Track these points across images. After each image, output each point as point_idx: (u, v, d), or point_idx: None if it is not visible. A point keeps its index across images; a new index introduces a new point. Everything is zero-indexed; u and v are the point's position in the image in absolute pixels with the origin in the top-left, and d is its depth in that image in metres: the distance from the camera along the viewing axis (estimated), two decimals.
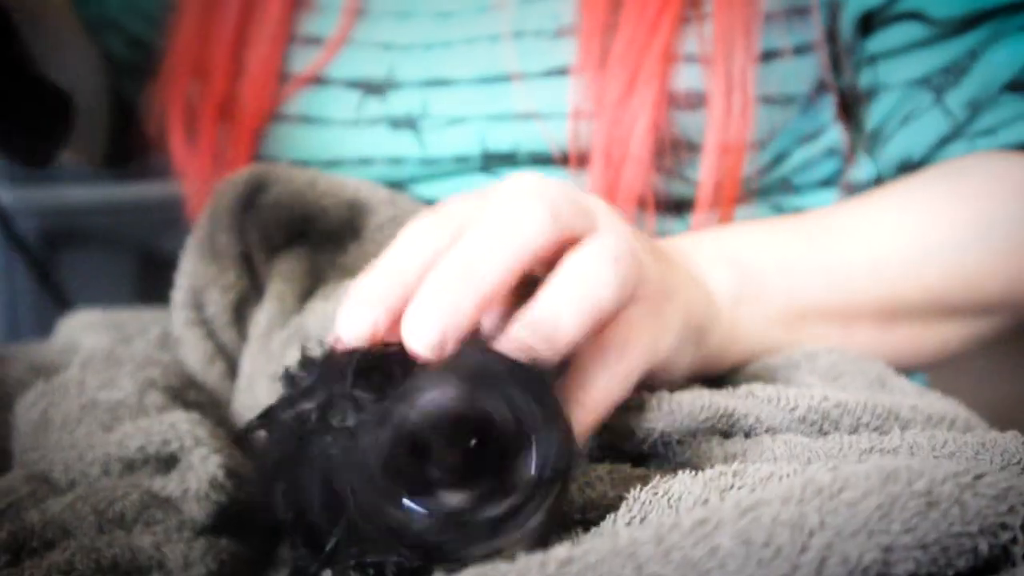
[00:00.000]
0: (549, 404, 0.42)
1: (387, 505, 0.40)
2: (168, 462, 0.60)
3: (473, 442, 0.40)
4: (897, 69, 0.83)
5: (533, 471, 0.40)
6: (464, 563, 0.39)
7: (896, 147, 0.85)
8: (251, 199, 0.75)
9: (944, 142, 0.82)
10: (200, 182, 0.90)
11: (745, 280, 0.69)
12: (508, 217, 0.50)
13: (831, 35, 0.84)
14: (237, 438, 0.56)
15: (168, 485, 0.59)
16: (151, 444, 0.60)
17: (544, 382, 0.43)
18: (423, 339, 0.44)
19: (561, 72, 0.80)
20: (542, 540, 0.41)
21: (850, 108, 0.89)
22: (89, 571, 0.54)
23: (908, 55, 0.83)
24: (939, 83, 0.82)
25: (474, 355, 0.43)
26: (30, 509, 0.58)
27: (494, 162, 0.83)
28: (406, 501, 0.40)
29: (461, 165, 0.83)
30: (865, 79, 0.85)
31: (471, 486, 0.40)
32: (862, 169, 0.89)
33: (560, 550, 0.35)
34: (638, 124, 0.76)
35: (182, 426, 0.61)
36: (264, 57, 0.88)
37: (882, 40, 0.83)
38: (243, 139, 0.87)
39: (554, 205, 0.51)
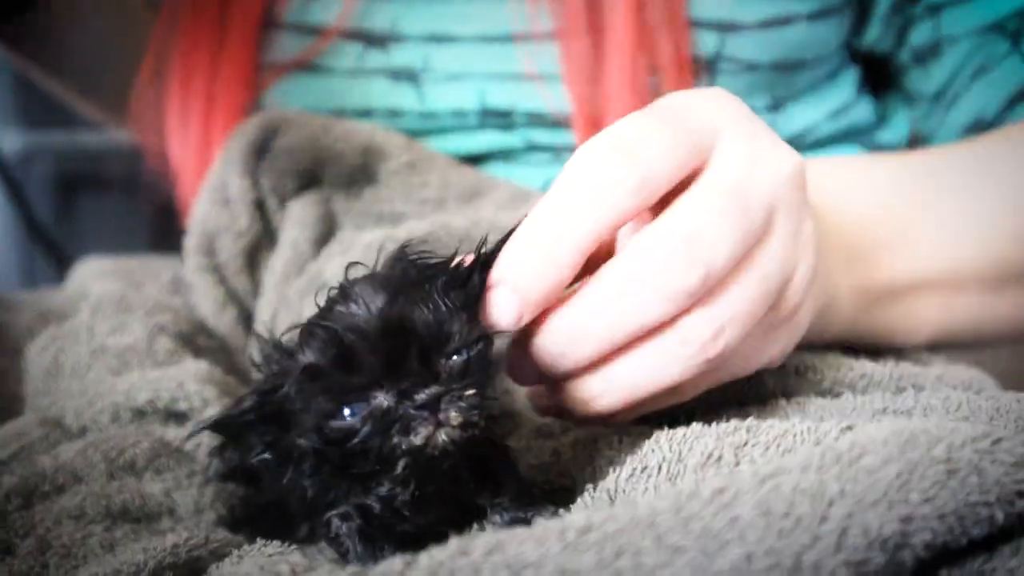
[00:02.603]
0: (472, 309, 0.45)
1: (330, 419, 0.44)
2: (178, 416, 0.61)
3: (395, 344, 0.43)
4: (965, 16, 0.78)
5: (455, 363, 0.44)
6: (407, 457, 0.43)
7: (967, 106, 0.79)
8: (264, 144, 0.74)
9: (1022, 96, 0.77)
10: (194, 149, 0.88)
11: (857, 249, 0.64)
12: (580, 194, 0.46)
13: None
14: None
15: (180, 436, 0.59)
16: (160, 400, 0.60)
17: (471, 291, 0.46)
18: (506, 318, 0.45)
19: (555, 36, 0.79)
20: (471, 428, 0.44)
21: (889, 77, 0.85)
22: (99, 516, 0.54)
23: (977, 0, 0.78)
24: (1016, 27, 0.76)
25: (404, 265, 0.47)
26: (42, 454, 0.58)
27: (492, 119, 0.82)
28: (345, 410, 0.44)
29: (459, 120, 0.82)
30: (923, 35, 0.80)
31: (398, 383, 0.43)
32: (892, 130, 0.85)
33: (578, 517, 0.35)
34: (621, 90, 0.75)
35: (190, 386, 0.61)
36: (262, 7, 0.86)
37: None
38: (239, 86, 0.85)
39: (645, 167, 0.46)
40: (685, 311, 0.46)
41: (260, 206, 0.74)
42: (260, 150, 0.74)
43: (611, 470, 0.50)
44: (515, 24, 0.80)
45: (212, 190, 0.74)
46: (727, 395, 0.55)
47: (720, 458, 0.44)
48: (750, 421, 0.47)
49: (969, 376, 0.58)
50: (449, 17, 0.82)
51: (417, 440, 0.43)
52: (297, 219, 0.73)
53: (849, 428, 0.44)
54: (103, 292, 0.73)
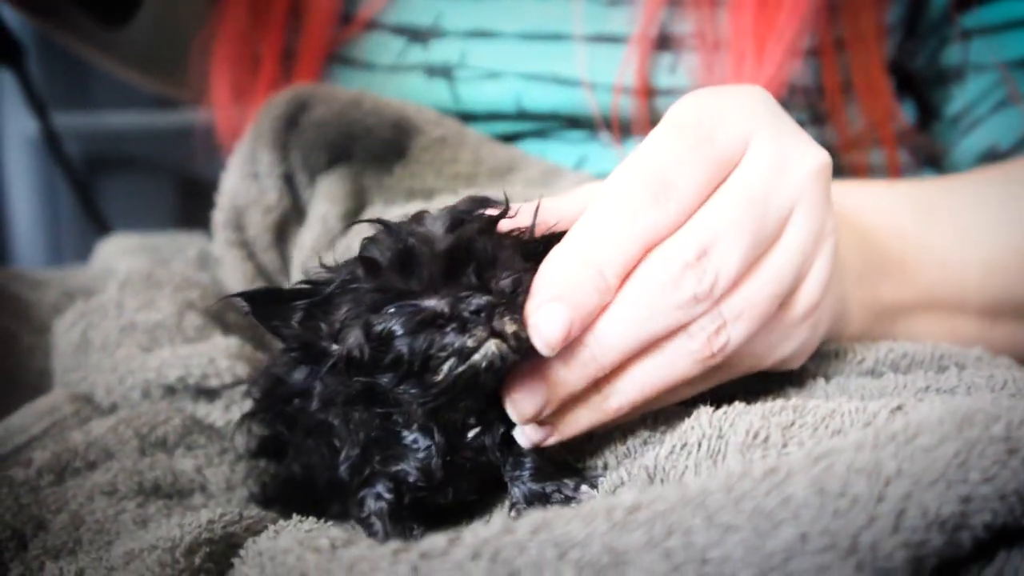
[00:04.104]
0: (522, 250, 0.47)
1: (376, 316, 0.44)
2: (209, 393, 0.60)
3: (455, 257, 0.44)
4: (995, 48, 0.78)
5: (507, 284, 0.45)
6: (452, 360, 0.43)
7: (983, 134, 0.80)
8: (294, 118, 0.73)
9: None
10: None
11: (869, 265, 0.64)
12: (618, 225, 0.47)
13: (914, 13, 0.80)
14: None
15: (212, 413, 0.59)
16: (191, 376, 0.60)
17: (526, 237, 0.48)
18: (556, 335, 0.45)
19: (612, 40, 0.78)
20: (520, 344, 0.44)
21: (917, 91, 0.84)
22: (132, 492, 0.54)
23: (1009, 34, 0.77)
24: None
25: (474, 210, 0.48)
26: (73, 430, 0.57)
27: (528, 121, 0.81)
28: (390, 308, 0.44)
29: (494, 121, 0.81)
30: (952, 57, 0.80)
31: (453, 292, 0.44)
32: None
33: (627, 496, 0.34)
34: None
35: (221, 362, 0.60)
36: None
37: (982, 16, 0.78)
38: (305, 80, 0.85)
39: (677, 200, 0.47)
40: None
41: (289, 181, 0.73)
42: (290, 124, 0.73)
43: (648, 448, 0.49)
44: (562, 24, 0.79)
45: (241, 164, 0.73)
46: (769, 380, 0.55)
47: (767, 438, 0.43)
48: (796, 401, 0.46)
49: (1008, 359, 0.57)
50: (493, 12, 0.81)
51: (471, 342, 0.43)
52: (327, 194, 0.72)
53: (899, 408, 0.43)
54: (130, 268, 0.73)
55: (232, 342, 0.62)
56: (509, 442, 0.49)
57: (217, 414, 0.59)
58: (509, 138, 0.81)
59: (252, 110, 0.85)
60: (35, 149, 1.57)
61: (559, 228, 0.49)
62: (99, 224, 1.06)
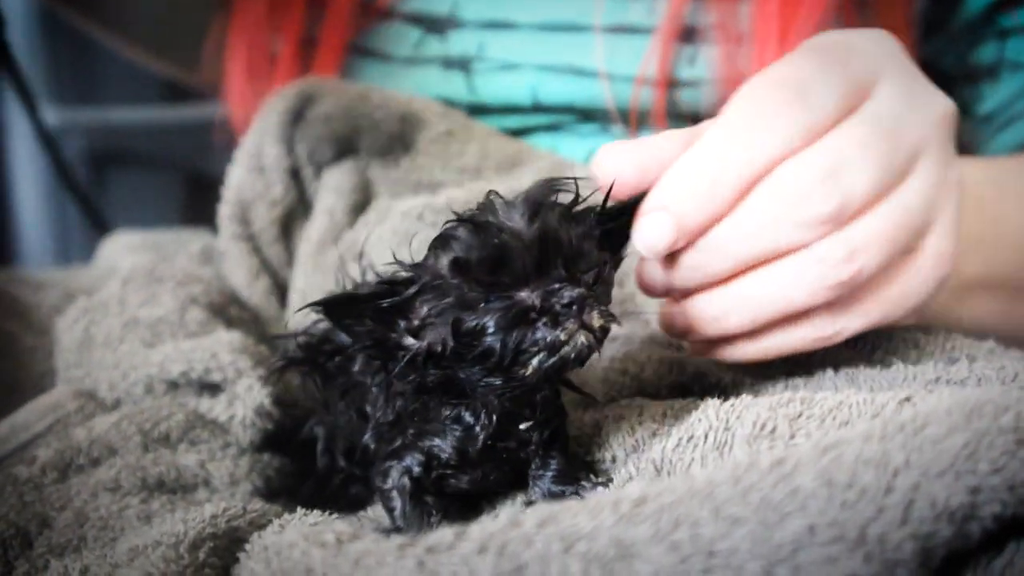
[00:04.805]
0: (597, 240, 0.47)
1: (468, 314, 0.44)
2: (212, 387, 0.60)
3: (545, 249, 0.44)
4: None
5: (591, 276, 0.45)
6: (544, 353, 0.43)
7: (1020, 130, 0.79)
8: (300, 112, 0.73)
9: None
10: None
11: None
12: (749, 130, 0.47)
13: (944, 12, 0.79)
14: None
15: (215, 408, 0.59)
16: (193, 371, 0.59)
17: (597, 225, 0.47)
18: (659, 243, 0.46)
19: (632, 31, 0.77)
20: (605, 335, 0.45)
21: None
22: (135, 488, 0.54)
23: None
24: None
25: (547, 190, 0.47)
26: (77, 426, 0.57)
27: (542, 114, 0.80)
28: (483, 305, 0.44)
29: (508, 115, 0.81)
30: (985, 56, 0.79)
31: (545, 284, 0.44)
32: None
33: (633, 489, 0.34)
34: None
35: (224, 356, 0.60)
36: None
37: (1022, 15, 0.77)
38: (325, 71, 0.85)
39: (813, 109, 0.47)
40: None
41: (295, 174, 0.73)
42: (296, 118, 0.73)
43: (655, 441, 0.49)
44: (579, 14, 0.78)
45: (247, 158, 0.73)
46: (773, 365, 0.54)
47: (774, 430, 0.43)
48: (803, 392, 0.46)
49: (1021, 352, 0.57)
50: (510, 2, 0.80)
51: (563, 335, 0.43)
52: (333, 187, 0.72)
53: (907, 400, 0.43)
54: (133, 264, 0.73)
55: (235, 336, 0.62)
56: (549, 442, 0.49)
57: (220, 409, 0.59)
58: (520, 133, 0.81)
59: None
60: (41, 147, 1.57)
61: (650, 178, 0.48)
62: (98, 222, 1.06)
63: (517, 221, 0.44)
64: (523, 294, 0.44)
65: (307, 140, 0.73)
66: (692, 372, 0.56)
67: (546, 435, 0.48)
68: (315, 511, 0.48)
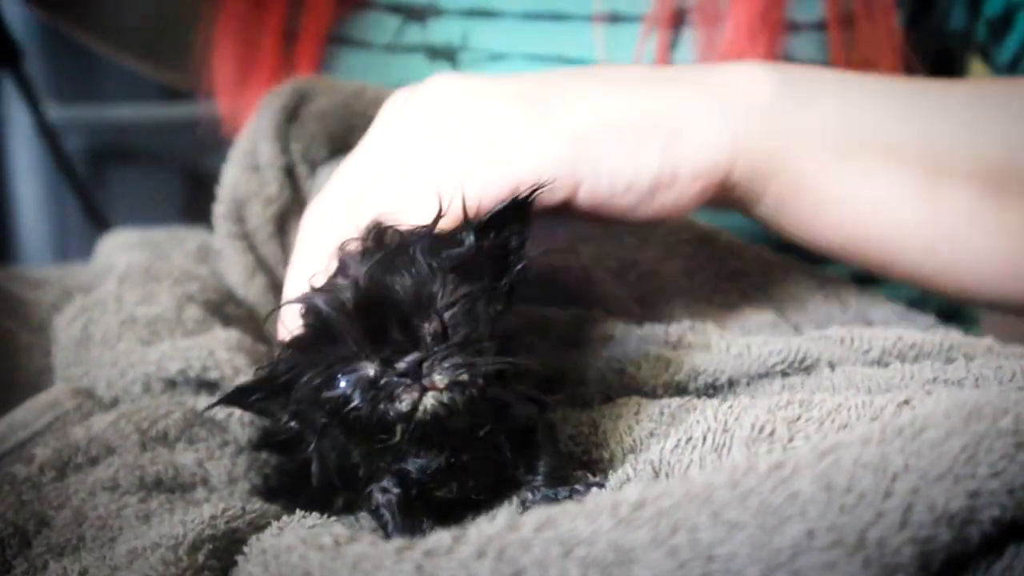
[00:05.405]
0: (464, 269, 0.45)
1: (325, 390, 0.44)
2: (209, 385, 0.60)
3: (374, 314, 0.43)
4: None
5: (438, 326, 0.43)
6: (402, 424, 0.43)
7: None
8: (295, 110, 0.73)
9: None
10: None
11: (787, 81, 0.59)
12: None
13: None
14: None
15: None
16: (191, 369, 0.59)
17: (461, 252, 0.46)
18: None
19: (621, 19, 0.77)
20: (464, 388, 0.43)
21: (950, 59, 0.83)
22: (134, 487, 0.54)
23: None
24: None
25: (394, 237, 0.47)
26: (75, 425, 0.57)
27: None
28: (341, 380, 0.44)
29: None
30: (995, 7, 0.77)
31: (381, 352, 0.43)
32: None
33: (631, 492, 0.34)
34: None
35: (221, 354, 0.60)
36: None
37: None
38: (306, 62, 0.84)
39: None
40: None
41: (290, 172, 0.73)
42: (291, 116, 0.73)
43: (653, 441, 0.49)
44: (563, 3, 0.78)
45: (242, 156, 0.73)
46: (770, 364, 0.54)
47: (772, 432, 0.43)
48: (801, 395, 0.46)
49: (1021, 349, 0.57)
50: None
51: (403, 407, 0.42)
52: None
53: (906, 402, 0.43)
54: (130, 262, 0.73)
55: (232, 334, 0.62)
56: (524, 443, 0.48)
57: (218, 407, 0.59)
58: None
59: (255, 95, 0.84)
60: (41, 144, 1.57)
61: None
62: (98, 219, 1.06)
63: (347, 283, 0.44)
64: (363, 367, 0.43)
65: (301, 138, 0.73)
66: (688, 370, 0.56)
67: (515, 436, 0.48)
68: (314, 513, 0.48)
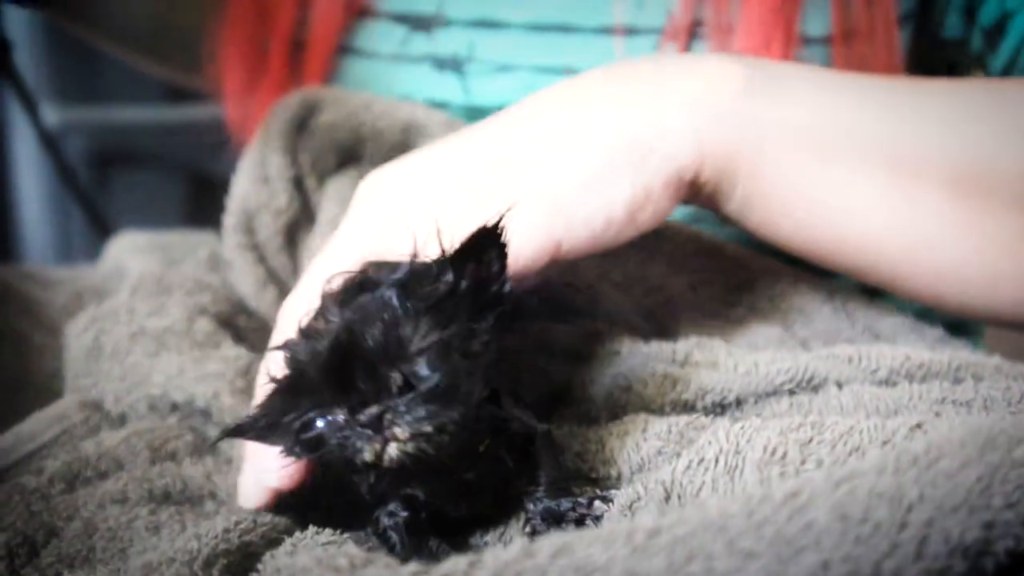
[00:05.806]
0: (443, 306, 0.45)
1: (303, 431, 0.45)
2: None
3: (342, 363, 0.44)
4: None
5: (402, 376, 0.44)
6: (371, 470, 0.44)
7: None
8: (304, 121, 0.73)
9: None
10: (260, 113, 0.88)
11: (759, 76, 0.58)
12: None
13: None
14: None
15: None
16: (196, 402, 0.60)
17: (438, 289, 0.46)
18: None
19: (637, 32, 0.76)
20: (426, 439, 0.43)
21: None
22: (143, 500, 0.54)
23: None
24: None
25: (372, 285, 0.47)
26: (84, 438, 0.57)
27: None
28: (318, 422, 0.45)
29: None
30: (990, 14, 0.77)
31: (348, 401, 0.44)
32: None
33: (647, 520, 0.34)
34: None
35: (226, 399, 0.61)
36: None
37: None
38: (314, 70, 0.84)
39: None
40: None
41: (299, 184, 0.73)
42: (300, 127, 0.73)
43: (662, 460, 0.49)
44: (570, 15, 0.77)
45: (251, 167, 0.73)
46: (778, 383, 0.55)
47: (784, 455, 0.43)
48: (813, 417, 0.46)
49: None
50: (498, 1, 0.79)
51: (366, 456, 0.43)
52: (336, 197, 0.72)
53: (918, 426, 0.43)
54: (142, 271, 0.73)
55: (241, 355, 0.63)
56: (525, 456, 0.48)
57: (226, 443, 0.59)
58: None
59: (263, 103, 0.84)
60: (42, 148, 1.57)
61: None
62: (100, 222, 1.06)
63: (321, 339, 0.44)
64: (334, 414, 0.44)
65: (310, 149, 0.73)
66: (695, 388, 0.56)
67: (516, 448, 0.48)
68: (327, 530, 0.48)
